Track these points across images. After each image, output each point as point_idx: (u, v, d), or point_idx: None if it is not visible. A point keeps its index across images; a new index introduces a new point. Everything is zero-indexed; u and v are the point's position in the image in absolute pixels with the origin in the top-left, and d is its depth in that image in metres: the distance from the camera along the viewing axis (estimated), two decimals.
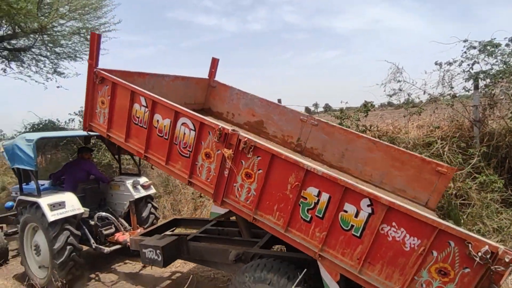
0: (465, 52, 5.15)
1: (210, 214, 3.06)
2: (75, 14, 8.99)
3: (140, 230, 4.78)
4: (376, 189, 3.41)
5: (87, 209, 4.77)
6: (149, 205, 5.57)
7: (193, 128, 2.70)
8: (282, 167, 2.35)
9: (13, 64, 10.25)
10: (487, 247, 1.72)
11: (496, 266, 1.71)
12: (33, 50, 9.89)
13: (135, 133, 3.08)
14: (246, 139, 2.41)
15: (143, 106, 2.95)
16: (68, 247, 4.28)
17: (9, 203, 5.95)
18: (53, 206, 4.29)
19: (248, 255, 3.15)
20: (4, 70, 10.18)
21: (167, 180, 7.56)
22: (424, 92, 5.48)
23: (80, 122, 10.17)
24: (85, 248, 4.95)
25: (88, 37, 9.57)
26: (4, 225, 5.93)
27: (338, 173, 3.47)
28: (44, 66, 10.35)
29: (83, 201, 4.75)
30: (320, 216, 2.24)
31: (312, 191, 2.26)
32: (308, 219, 2.29)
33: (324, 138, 4.06)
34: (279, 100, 5.66)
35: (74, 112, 10.24)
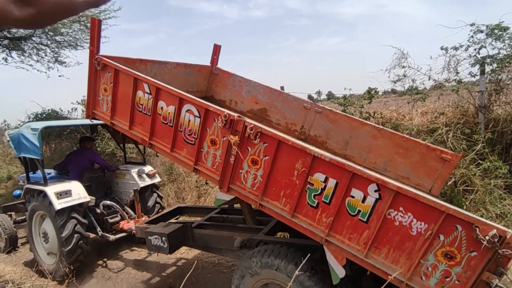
0: (472, 36, 5.05)
1: (215, 201, 3.07)
2: None
3: (144, 218, 4.83)
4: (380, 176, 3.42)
5: (93, 198, 4.82)
6: (155, 194, 5.62)
7: (198, 115, 2.68)
8: (288, 153, 2.34)
9: (14, 54, 10.19)
10: (495, 230, 1.73)
11: (503, 250, 1.72)
12: (33, 39, 9.79)
13: (139, 121, 3.06)
14: (252, 125, 2.40)
15: (147, 93, 2.92)
16: (76, 235, 4.36)
17: (17, 192, 6.01)
18: (60, 195, 4.36)
19: (253, 241, 3.19)
20: (6, 60, 10.16)
21: (170, 169, 7.60)
22: (429, 78, 5.42)
23: (82, 111, 10.14)
24: (92, 235, 5.03)
25: (88, 24, 9.44)
26: (12, 213, 6.04)
27: (343, 160, 3.47)
28: (45, 55, 10.34)
29: (89, 190, 4.80)
30: (327, 201, 2.25)
31: (319, 177, 2.26)
32: (314, 205, 2.30)
33: (328, 126, 4.04)
34: (282, 88, 5.61)
35: (77, 101, 10.24)
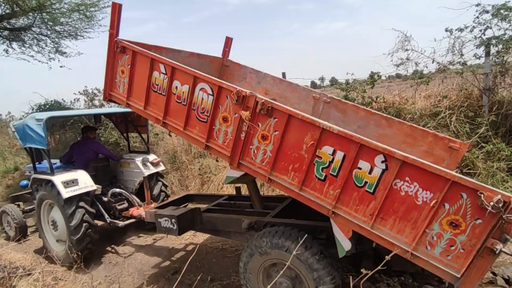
0: (477, 17, 5.00)
1: (225, 178, 3.15)
2: None
3: (154, 205, 4.93)
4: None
5: (99, 186, 4.92)
6: (160, 182, 5.72)
7: (211, 93, 2.79)
8: (298, 127, 2.42)
9: (14, 45, 10.22)
10: (499, 196, 1.77)
11: (508, 215, 1.76)
12: (33, 29, 9.81)
13: (154, 101, 3.18)
14: (263, 100, 2.49)
15: (162, 73, 3.05)
16: (84, 224, 4.47)
17: (24, 182, 6.13)
18: (67, 184, 4.46)
19: (261, 223, 3.25)
20: (7, 51, 10.16)
21: (173, 157, 7.72)
22: (433, 61, 5.35)
23: (85, 101, 10.28)
24: (100, 223, 5.14)
25: (87, 14, 9.53)
26: (21, 203, 6.15)
27: (350, 132, 3.54)
28: (46, 46, 10.32)
29: (95, 179, 4.89)
30: (334, 174, 2.31)
31: (327, 150, 2.33)
32: (322, 178, 2.37)
33: (337, 116, 4.10)
34: (283, 74, 5.70)
35: (79, 92, 10.34)
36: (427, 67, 5.54)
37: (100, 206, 5.03)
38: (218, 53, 4.79)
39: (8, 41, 10.09)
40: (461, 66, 5.22)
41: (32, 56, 10.30)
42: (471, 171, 4.43)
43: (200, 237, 5.15)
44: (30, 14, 8.99)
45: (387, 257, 1.75)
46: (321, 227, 2.92)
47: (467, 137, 4.62)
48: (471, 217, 1.89)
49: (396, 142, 3.76)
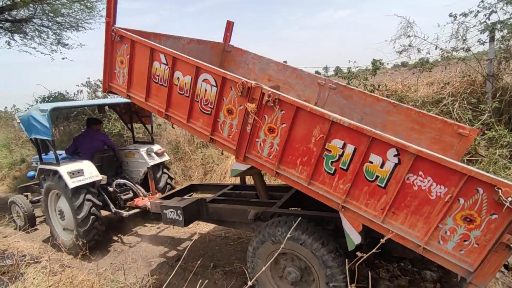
0: (482, 1, 4.83)
1: (231, 171, 3.10)
2: None
3: (158, 195, 4.92)
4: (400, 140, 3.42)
5: (105, 176, 4.92)
6: (166, 175, 5.73)
7: (214, 84, 2.69)
8: (306, 120, 2.34)
9: (16, 37, 10.14)
10: None
11: None
12: (34, 21, 9.68)
13: (155, 92, 3.08)
14: (270, 92, 2.39)
15: (163, 63, 2.93)
16: (92, 217, 4.54)
17: (31, 173, 6.17)
18: (73, 174, 4.48)
19: (267, 214, 3.23)
20: (8, 43, 10.08)
21: (176, 148, 7.72)
22: (436, 47, 5.20)
23: (88, 93, 10.23)
24: (106, 213, 5.17)
25: (88, 4, 9.37)
26: (28, 194, 6.20)
27: (362, 125, 3.48)
28: (48, 38, 10.22)
29: (100, 170, 4.92)
30: (345, 168, 2.25)
31: (337, 143, 2.25)
32: (332, 172, 2.31)
33: (343, 102, 4.00)
34: (285, 62, 5.57)
35: (82, 84, 10.28)
36: (429, 54, 5.42)
37: (105, 196, 5.06)
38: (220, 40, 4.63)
39: (10, 33, 10.01)
40: (464, 52, 5.08)
41: (34, 48, 10.27)
42: (473, 158, 4.38)
43: (203, 226, 5.20)
44: (31, 5, 8.87)
45: (382, 240, 1.70)
46: (329, 217, 2.90)
47: (469, 124, 4.56)
48: (487, 212, 1.85)
49: (403, 129, 3.69)
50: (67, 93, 10.65)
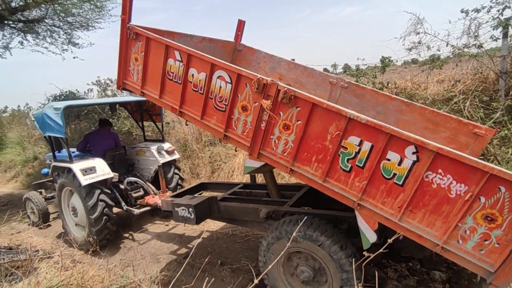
0: None
1: (244, 168, 3.10)
2: None
3: (169, 193, 4.95)
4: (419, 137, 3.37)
5: (116, 174, 4.98)
6: (177, 176, 5.77)
7: (229, 81, 2.69)
8: (322, 117, 2.32)
9: (29, 37, 10.38)
10: None
11: None
12: (46, 21, 9.90)
13: (169, 89, 3.10)
14: (285, 88, 2.39)
15: (178, 60, 2.95)
16: (104, 218, 4.60)
17: (45, 170, 6.29)
18: (85, 171, 4.55)
19: (279, 213, 3.21)
20: (22, 43, 10.31)
21: (184, 145, 7.77)
22: (447, 44, 5.11)
23: (98, 91, 10.39)
24: (117, 210, 5.22)
25: (98, 4, 9.53)
26: (42, 190, 6.32)
27: (379, 122, 3.45)
28: (59, 37, 10.44)
29: (112, 167, 4.98)
30: (361, 165, 2.23)
31: (353, 140, 2.24)
32: (348, 169, 2.29)
33: (355, 101, 3.97)
34: (293, 60, 5.57)
35: (92, 82, 10.47)
36: (439, 51, 5.32)
37: (117, 193, 5.11)
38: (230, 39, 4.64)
39: (22, 33, 10.24)
40: (476, 48, 4.98)
41: (46, 47, 10.48)
42: (484, 157, 4.30)
43: (211, 223, 5.22)
44: (43, 5, 9.10)
45: (389, 240, 1.68)
46: (342, 217, 2.87)
47: (481, 123, 4.47)
48: (509, 211, 1.81)
49: (417, 128, 3.64)
50: (78, 91, 10.85)
